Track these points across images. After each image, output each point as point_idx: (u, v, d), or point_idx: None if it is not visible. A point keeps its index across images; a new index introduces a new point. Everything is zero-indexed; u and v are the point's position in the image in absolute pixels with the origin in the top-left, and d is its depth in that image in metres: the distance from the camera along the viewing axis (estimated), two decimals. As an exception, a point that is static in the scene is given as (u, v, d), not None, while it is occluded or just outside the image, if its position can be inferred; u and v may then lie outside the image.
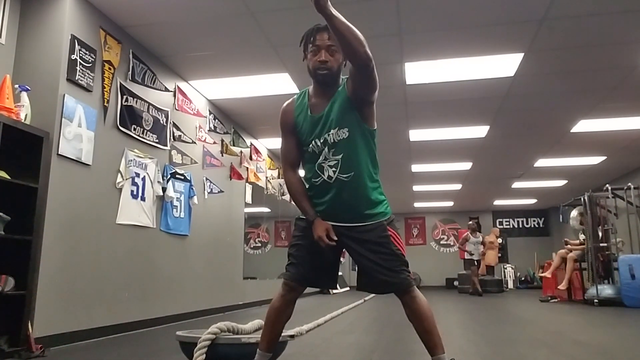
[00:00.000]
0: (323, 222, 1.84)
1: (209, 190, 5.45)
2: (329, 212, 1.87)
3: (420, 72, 4.69)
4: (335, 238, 1.81)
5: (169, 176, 4.52)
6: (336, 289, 2.15)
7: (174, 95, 4.75)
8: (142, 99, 4.16)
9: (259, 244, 8.79)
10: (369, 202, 1.85)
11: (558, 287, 7.41)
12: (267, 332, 1.93)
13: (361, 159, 1.85)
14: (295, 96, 2.00)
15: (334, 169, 1.84)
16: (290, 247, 1.94)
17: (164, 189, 4.43)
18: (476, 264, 9.54)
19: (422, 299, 1.81)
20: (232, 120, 6.22)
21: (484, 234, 12.37)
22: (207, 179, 5.43)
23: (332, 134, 1.84)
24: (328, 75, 1.82)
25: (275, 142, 7.45)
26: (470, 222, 10.09)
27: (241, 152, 6.45)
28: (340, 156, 1.84)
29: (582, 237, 7.61)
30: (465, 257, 9.89)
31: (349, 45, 1.67)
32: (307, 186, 1.95)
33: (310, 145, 1.89)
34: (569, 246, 7.73)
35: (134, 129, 4.02)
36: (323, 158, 1.86)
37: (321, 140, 1.86)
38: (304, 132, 1.90)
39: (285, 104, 2.00)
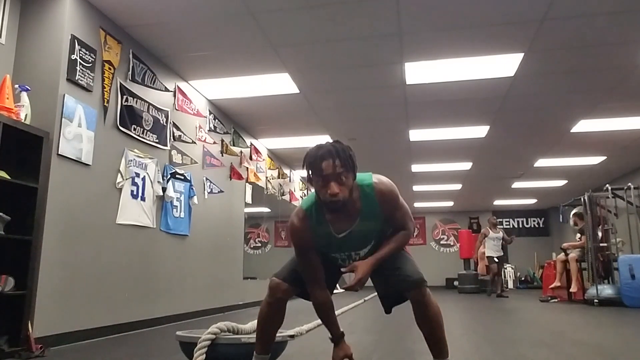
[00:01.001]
0: (346, 345, 1.85)
1: (209, 190, 5.45)
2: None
3: (420, 72, 4.69)
4: None
5: (169, 176, 4.52)
6: (333, 292, 2.17)
7: (174, 95, 4.75)
8: (142, 99, 4.16)
9: (259, 244, 8.79)
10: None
11: (570, 290, 7.35)
12: (259, 336, 1.91)
13: (381, 239, 1.85)
14: (305, 210, 1.79)
15: (357, 258, 1.86)
16: (291, 259, 1.92)
17: (164, 189, 4.43)
18: (496, 261, 8.77)
19: (434, 304, 1.76)
20: (232, 120, 6.22)
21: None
22: (207, 179, 5.43)
23: (365, 251, 1.84)
24: (340, 204, 1.67)
25: (275, 142, 7.45)
26: (491, 217, 9.32)
27: (241, 152, 6.45)
28: (364, 255, 1.85)
29: (577, 236, 7.60)
30: (486, 255, 8.94)
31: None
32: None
33: (331, 256, 1.87)
34: (566, 244, 7.72)
35: (134, 129, 4.02)
36: (348, 264, 1.86)
37: (347, 254, 1.85)
38: (325, 248, 1.83)
39: (296, 221, 1.79)
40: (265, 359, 1.92)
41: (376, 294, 1.94)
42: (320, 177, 1.65)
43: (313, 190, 1.76)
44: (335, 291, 2.00)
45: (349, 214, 1.75)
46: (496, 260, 8.70)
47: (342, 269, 1.86)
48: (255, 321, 2.63)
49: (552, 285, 7.61)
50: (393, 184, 1.80)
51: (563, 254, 7.59)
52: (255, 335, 1.98)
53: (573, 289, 7.26)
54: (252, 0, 3.47)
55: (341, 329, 1.89)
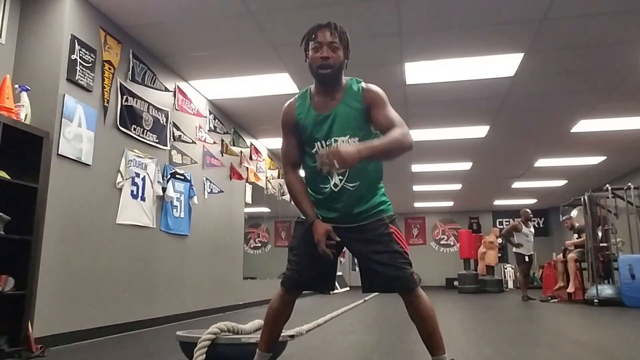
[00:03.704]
0: (323, 223, 1.80)
1: (209, 190, 5.45)
2: (331, 218, 1.86)
3: (420, 72, 4.69)
4: (338, 239, 1.79)
5: (169, 176, 4.52)
6: (334, 289, 2.17)
7: (174, 95, 4.75)
8: (142, 99, 4.16)
9: (259, 244, 8.78)
10: (371, 206, 1.85)
11: (566, 290, 7.34)
12: (266, 332, 1.93)
13: (369, 168, 1.83)
14: (297, 95, 1.94)
15: (340, 177, 1.82)
16: (289, 250, 1.93)
17: (164, 189, 4.43)
18: (527, 260, 7.69)
19: (425, 299, 1.80)
20: (232, 120, 6.22)
21: (484, 234, 12.41)
22: (207, 179, 5.43)
23: (343, 141, 1.79)
24: (330, 73, 1.77)
25: (275, 142, 7.45)
26: (526, 210, 7.99)
27: (241, 152, 6.45)
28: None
29: (574, 236, 7.59)
30: (514, 252, 7.88)
31: (400, 154, 1.70)
32: (310, 192, 1.91)
33: (314, 146, 1.84)
34: (569, 242, 7.71)
35: (134, 129, 4.02)
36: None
37: (327, 143, 1.82)
38: (306, 129, 1.84)
39: (286, 103, 1.94)
40: (267, 357, 1.93)
41: (360, 277, 1.93)
42: (315, 44, 1.77)
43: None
44: (335, 291, 2.00)
45: (332, 96, 1.82)
46: (527, 259, 7.68)
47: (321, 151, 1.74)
48: (256, 321, 2.64)
49: (556, 287, 7.59)
50: (382, 91, 1.84)
51: (562, 255, 7.59)
52: (255, 335, 1.98)
53: (570, 289, 7.25)
54: (252, 0, 3.48)
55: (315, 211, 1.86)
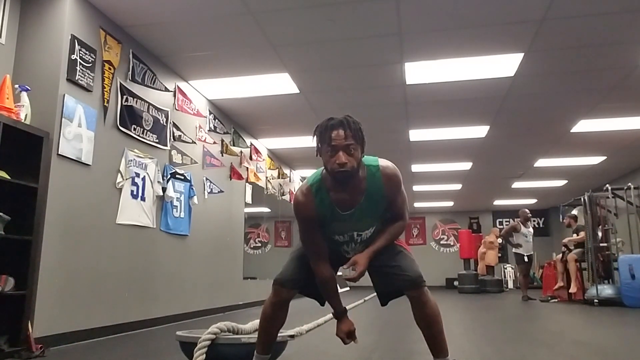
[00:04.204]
0: (349, 321, 1.86)
1: (209, 190, 5.45)
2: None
3: (420, 72, 4.69)
4: (358, 341, 1.87)
5: (169, 176, 4.52)
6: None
7: (174, 95, 4.75)
8: (142, 99, 4.16)
9: (259, 244, 8.79)
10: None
11: (569, 290, 7.33)
12: (261, 337, 1.92)
13: (383, 230, 1.86)
14: (310, 185, 1.79)
15: (359, 248, 1.86)
16: (290, 256, 1.93)
17: (164, 189, 4.43)
18: (526, 260, 7.74)
19: (432, 302, 1.78)
20: (232, 120, 6.22)
21: (484, 234, 12.40)
22: (207, 179, 5.43)
23: (367, 233, 1.83)
24: (348, 175, 1.67)
25: (275, 142, 7.45)
26: (524, 210, 8.05)
27: (241, 152, 6.45)
28: (369, 242, 1.84)
29: (574, 235, 7.59)
30: (514, 252, 7.95)
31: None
32: None
33: (334, 237, 1.85)
34: (566, 240, 7.71)
35: (134, 129, 4.02)
36: (351, 249, 1.87)
37: (349, 234, 1.83)
38: (328, 226, 1.81)
39: (300, 196, 1.78)
40: (265, 359, 1.92)
41: (374, 290, 1.95)
42: (330, 147, 1.66)
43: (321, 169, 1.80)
44: (339, 290, 2.00)
45: (354, 192, 1.75)
46: (526, 260, 7.73)
47: (343, 266, 1.86)
48: (256, 321, 2.64)
49: (555, 287, 7.58)
50: (398, 169, 1.84)
51: (561, 255, 7.59)
52: (255, 335, 1.98)
53: (572, 289, 7.25)
54: (252, 0, 3.48)
55: (343, 305, 1.90)
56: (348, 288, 12.15)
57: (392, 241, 1.84)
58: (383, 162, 1.81)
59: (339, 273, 1.99)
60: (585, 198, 7.24)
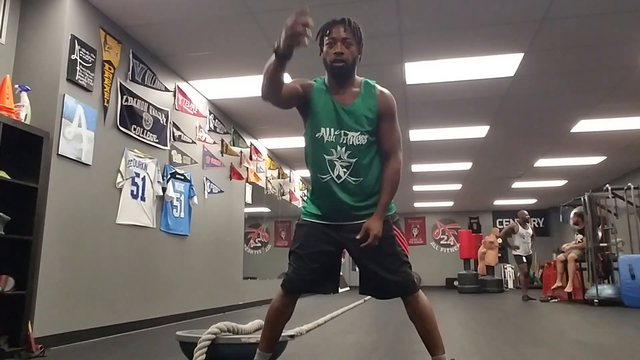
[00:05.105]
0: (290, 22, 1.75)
1: (209, 190, 5.45)
2: (330, 214, 1.86)
3: (420, 72, 4.69)
4: (310, 21, 1.64)
5: (169, 176, 4.52)
6: (337, 291, 2.15)
7: (174, 95, 4.75)
8: (142, 99, 4.16)
9: (259, 244, 8.78)
10: (372, 205, 1.84)
11: (564, 290, 7.33)
12: (266, 332, 1.92)
13: (373, 165, 1.85)
14: (314, 79, 1.96)
15: (345, 169, 1.83)
16: (290, 253, 1.92)
17: (164, 189, 4.43)
18: (525, 260, 7.82)
19: (424, 299, 1.82)
20: (232, 120, 6.22)
21: (484, 234, 12.41)
22: (207, 179, 5.43)
23: (354, 136, 1.82)
24: (344, 67, 1.82)
25: (275, 142, 7.45)
26: (523, 211, 8.16)
27: (241, 152, 6.45)
28: (354, 160, 1.83)
29: (578, 237, 7.59)
30: (514, 254, 8.04)
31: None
32: (311, 182, 1.92)
33: (321, 130, 1.84)
34: (565, 246, 7.72)
35: (134, 129, 4.02)
36: (337, 156, 1.83)
37: (336, 132, 1.83)
38: (316, 112, 1.86)
39: (301, 79, 1.95)
40: (267, 357, 1.93)
41: (361, 284, 1.93)
42: (329, 40, 1.82)
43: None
44: (340, 290, 2.00)
45: (349, 93, 1.85)
46: (524, 260, 7.83)
47: (357, 237, 1.78)
48: (256, 321, 2.64)
49: (553, 286, 7.58)
50: (394, 100, 1.91)
51: (562, 255, 7.59)
52: (255, 335, 1.98)
53: (568, 288, 7.24)
54: (252, 0, 3.48)
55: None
56: (348, 288, 12.14)
57: (394, 190, 1.86)
58: (381, 86, 1.91)
59: (340, 289, 1.95)
60: (585, 198, 7.24)
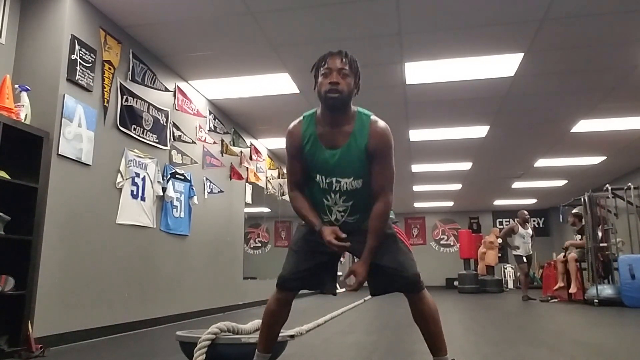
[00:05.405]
0: (329, 227, 1.78)
1: (209, 190, 5.45)
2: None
3: (420, 72, 4.69)
4: (344, 235, 1.75)
5: (169, 176, 4.52)
6: (335, 292, 2.14)
7: (174, 95, 4.75)
8: (142, 99, 4.16)
9: (259, 244, 8.78)
10: None
11: (569, 291, 7.33)
12: (264, 334, 1.92)
13: (368, 202, 1.81)
14: (302, 118, 1.86)
15: (342, 213, 1.84)
16: (288, 250, 1.92)
17: (164, 189, 4.43)
18: (525, 260, 7.82)
19: (430, 300, 1.80)
20: (232, 120, 6.22)
21: (484, 234, 12.40)
22: (207, 179, 5.43)
23: (347, 182, 1.78)
24: (339, 98, 1.72)
25: (275, 142, 7.45)
26: (522, 211, 8.17)
27: (241, 152, 6.45)
28: (350, 203, 1.82)
29: (577, 237, 7.59)
30: (514, 254, 8.05)
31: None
32: None
33: (316, 177, 1.83)
34: (568, 242, 7.71)
35: (134, 129, 4.02)
36: (333, 202, 1.83)
37: (328, 181, 1.79)
38: (310, 161, 1.82)
39: (291, 126, 1.86)
40: (267, 358, 1.92)
41: (372, 286, 1.91)
42: (325, 70, 1.75)
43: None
44: (337, 291, 1.99)
45: (339, 132, 1.77)
46: (525, 260, 7.85)
47: (342, 279, 1.84)
48: (255, 321, 2.64)
49: (555, 287, 7.58)
50: (390, 132, 1.80)
51: (562, 254, 7.59)
52: (255, 335, 1.98)
53: (572, 289, 7.25)
54: (252, 0, 3.48)
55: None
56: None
57: (383, 233, 1.79)
58: (377, 118, 1.82)
59: (339, 290, 1.96)
60: (585, 198, 7.24)
